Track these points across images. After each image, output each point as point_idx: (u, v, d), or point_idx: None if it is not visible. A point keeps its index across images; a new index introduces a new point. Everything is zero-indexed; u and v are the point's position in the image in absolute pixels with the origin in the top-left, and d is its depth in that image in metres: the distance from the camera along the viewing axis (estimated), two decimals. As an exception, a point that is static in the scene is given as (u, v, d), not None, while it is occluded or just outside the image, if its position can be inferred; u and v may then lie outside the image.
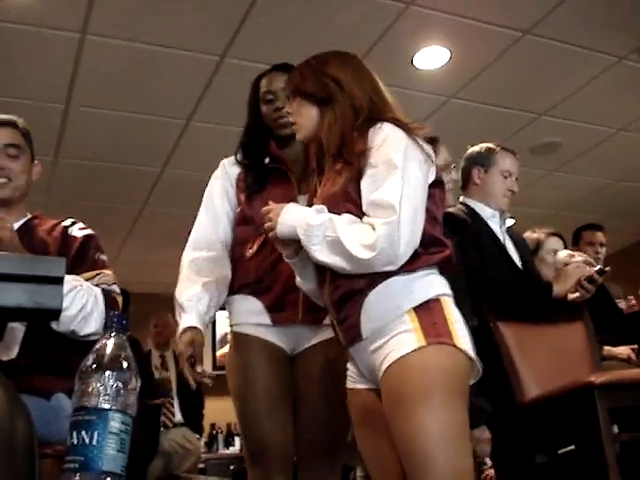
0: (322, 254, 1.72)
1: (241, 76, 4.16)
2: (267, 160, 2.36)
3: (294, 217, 1.79)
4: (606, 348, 3.72)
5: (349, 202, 1.76)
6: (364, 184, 1.75)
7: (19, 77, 4.06)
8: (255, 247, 2.25)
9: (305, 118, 1.91)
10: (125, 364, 1.05)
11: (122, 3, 3.52)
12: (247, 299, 2.27)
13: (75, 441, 1.00)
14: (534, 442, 2.84)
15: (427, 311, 1.70)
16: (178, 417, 5.98)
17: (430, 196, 1.79)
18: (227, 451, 7.67)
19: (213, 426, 7.73)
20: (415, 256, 1.71)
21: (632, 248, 7.20)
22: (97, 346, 1.05)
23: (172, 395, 6.04)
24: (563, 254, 3.58)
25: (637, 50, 4.22)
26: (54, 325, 1.87)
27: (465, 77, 4.39)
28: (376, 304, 1.73)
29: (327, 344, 2.20)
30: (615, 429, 2.78)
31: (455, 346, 1.67)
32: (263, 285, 2.24)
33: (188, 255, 2.32)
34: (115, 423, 1.01)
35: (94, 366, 1.03)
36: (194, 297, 2.19)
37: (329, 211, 1.76)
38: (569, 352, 2.81)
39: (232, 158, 2.44)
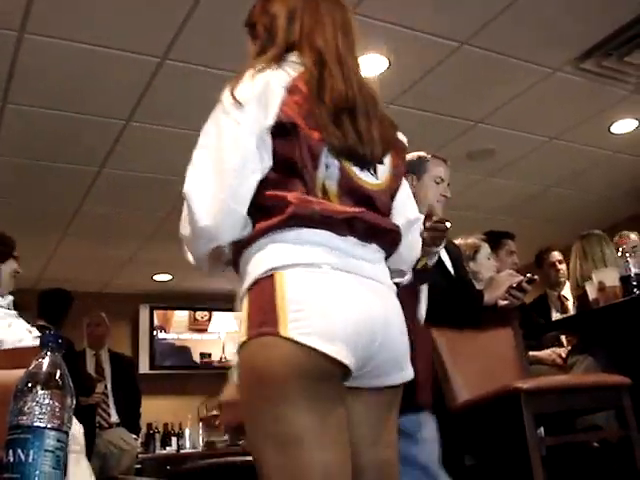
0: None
1: (181, 78, 4.16)
2: None
3: None
4: (531, 353, 3.84)
5: None
6: None
7: (-47, 74, 3.98)
8: None
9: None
10: (60, 382, 1.06)
11: (61, 2, 3.48)
12: None
13: (11, 459, 1.01)
14: (464, 445, 2.92)
15: (257, 294, 1.37)
16: (114, 417, 5.94)
17: (275, 143, 1.44)
18: (164, 451, 7.62)
19: (150, 426, 7.66)
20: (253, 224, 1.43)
21: (563, 252, 7.40)
22: (32, 365, 1.06)
23: (107, 394, 6.00)
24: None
25: (570, 62, 4.34)
26: None
27: (403, 85, 4.45)
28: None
29: None
30: (542, 432, 2.89)
31: (280, 335, 1.29)
32: None
33: None
34: (51, 441, 1.03)
35: (29, 385, 1.04)
36: None
37: None
38: (499, 358, 2.90)
39: None
